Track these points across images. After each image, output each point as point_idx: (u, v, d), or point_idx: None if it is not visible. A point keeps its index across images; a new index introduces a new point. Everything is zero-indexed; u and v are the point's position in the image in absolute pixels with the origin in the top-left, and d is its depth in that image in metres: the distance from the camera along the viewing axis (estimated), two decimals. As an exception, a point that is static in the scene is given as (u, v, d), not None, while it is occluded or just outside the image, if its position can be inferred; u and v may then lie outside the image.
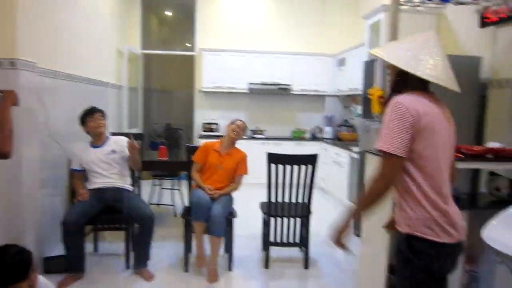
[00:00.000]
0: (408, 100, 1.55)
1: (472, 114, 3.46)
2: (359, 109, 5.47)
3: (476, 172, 3.27)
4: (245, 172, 3.47)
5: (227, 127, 3.50)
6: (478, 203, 2.57)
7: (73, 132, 3.75)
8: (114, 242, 3.86)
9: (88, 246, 3.38)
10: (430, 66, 1.57)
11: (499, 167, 2.56)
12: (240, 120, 3.51)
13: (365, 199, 1.62)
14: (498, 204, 2.44)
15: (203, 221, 3.14)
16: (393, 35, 2.47)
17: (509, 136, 3.14)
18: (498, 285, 2.44)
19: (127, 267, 3.26)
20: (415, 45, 1.63)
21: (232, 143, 3.45)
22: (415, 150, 1.55)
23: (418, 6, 2.63)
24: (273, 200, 3.34)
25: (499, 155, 2.43)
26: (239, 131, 3.43)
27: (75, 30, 4.00)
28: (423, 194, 1.56)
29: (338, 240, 1.71)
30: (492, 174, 2.59)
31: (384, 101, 1.75)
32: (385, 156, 1.55)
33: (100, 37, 4.93)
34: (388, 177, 1.56)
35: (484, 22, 3.39)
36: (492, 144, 2.49)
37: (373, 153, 2.60)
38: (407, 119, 1.52)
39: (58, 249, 3.39)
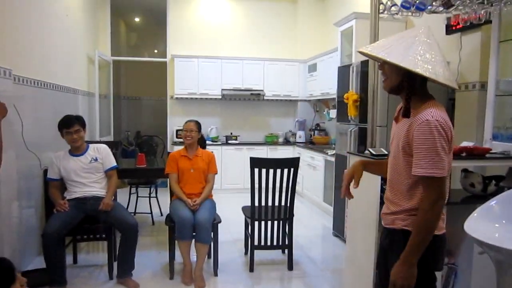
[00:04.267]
0: (443, 117, 1.51)
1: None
2: (332, 113, 5.64)
3: (447, 171, 3.44)
4: (216, 171, 3.50)
5: (181, 132, 3.53)
6: (454, 199, 2.72)
7: (47, 140, 3.66)
8: (93, 253, 3.77)
9: (67, 258, 3.28)
10: (439, 67, 1.52)
11: (471, 164, 2.72)
12: (191, 121, 3.50)
13: (426, 230, 1.53)
14: (472, 199, 2.61)
15: (188, 240, 3.14)
16: (374, 41, 2.59)
17: (475, 135, 3.34)
18: (475, 275, 2.59)
19: (111, 277, 3.19)
20: (417, 44, 1.55)
21: (193, 146, 3.47)
22: None
23: (396, 14, 2.77)
24: (256, 204, 3.38)
25: (471, 153, 2.59)
26: (189, 134, 3.43)
27: (46, 36, 3.90)
28: None
29: (411, 285, 1.59)
30: (465, 171, 2.75)
31: (403, 109, 1.63)
32: (438, 181, 1.50)
33: (71, 43, 4.82)
34: (443, 199, 1.53)
35: (450, 29, 3.61)
36: (465, 144, 2.64)
37: (356, 154, 2.70)
38: (447, 137, 1.51)
39: (36, 262, 3.29)
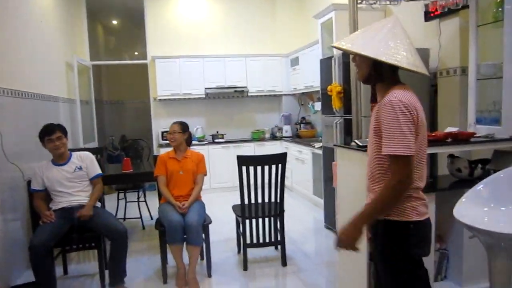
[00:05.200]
0: (407, 98, 1.55)
1: (426, 103, 3.67)
2: (316, 105, 5.63)
3: (432, 157, 3.48)
4: (205, 172, 3.46)
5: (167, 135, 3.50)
6: (442, 185, 2.74)
7: (29, 151, 3.57)
8: (83, 263, 3.71)
9: (57, 270, 3.21)
10: (403, 53, 1.57)
11: (457, 150, 2.74)
12: (175, 123, 3.46)
13: (383, 205, 1.59)
14: (460, 184, 2.63)
15: (179, 243, 3.10)
16: (353, 32, 2.57)
17: (459, 120, 3.37)
18: (466, 259, 2.62)
19: (103, 286, 3.13)
20: (383, 33, 1.61)
21: (181, 148, 3.43)
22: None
23: (374, 3, 2.77)
24: (246, 202, 3.36)
25: (457, 138, 2.61)
26: (172, 136, 3.39)
27: (21, 44, 3.80)
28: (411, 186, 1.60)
29: (352, 245, 1.64)
30: (452, 156, 2.77)
31: (371, 97, 1.73)
32: (404, 159, 1.52)
33: (48, 50, 4.71)
34: (410, 179, 1.55)
35: (429, 16, 3.62)
36: (450, 129, 2.66)
37: (343, 147, 2.69)
38: (412, 117, 1.53)
39: (25, 276, 3.22)
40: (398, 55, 1.56)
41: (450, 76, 3.53)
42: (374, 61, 1.60)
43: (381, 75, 1.64)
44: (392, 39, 1.59)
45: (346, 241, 1.64)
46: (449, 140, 2.58)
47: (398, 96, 1.55)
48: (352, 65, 2.92)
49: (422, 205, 1.65)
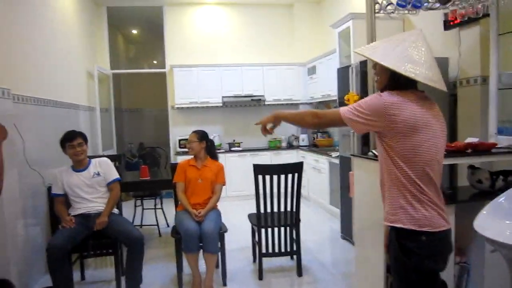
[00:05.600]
0: (393, 97, 1.60)
1: (445, 113, 3.60)
2: (333, 115, 5.59)
3: (452, 168, 3.41)
4: (224, 182, 3.47)
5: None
6: (463, 196, 2.68)
7: (50, 157, 3.66)
8: (100, 269, 3.75)
9: (75, 275, 3.26)
10: (426, 68, 1.60)
11: (478, 161, 2.68)
12: (193, 131, 3.50)
13: (294, 116, 1.91)
14: (481, 196, 2.56)
15: (195, 252, 3.11)
16: (371, 42, 2.56)
17: (480, 131, 3.30)
18: (488, 274, 2.54)
19: (119, 292, 3.17)
20: (404, 45, 1.65)
21: (200, 156, 3.45)
22: (402, 148, 1.60)
23: (392, 13, 2.75)
24: (261, 211, 3.35)
25: (477, 149, 2.56)
26: (189, 145, 3.44)
27: (44, 53, 3.91)
28: (418, 191, 1.61)
29: (263, 126, 1.97)
30: (472, 167, 2.71)
31: None
32: (337, 113, 1.69)
33: (70, 59, 4.83)
34: (320, 122, 1.76)
35: (448, 24, 3.58)
36: (470, 140, 2.61)
37: (360, 157, 2.67)
38: (381, 111, 1.59)
39: (43, 281, 3.27)
40: (417, 68, 1.59)
41: (470, 85, 3.47)
42: (393, 72, 1.62)
43: (396, 83, 1.66)
44: (413, 52, 1.62)
45: (263, 121, 1.96)
46: (469, 150, 2.52)
47: (386, 94, 1.63)
48: (370, 73, 2.93)
49: (438, 216, 1.62)
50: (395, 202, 1.65)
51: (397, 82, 1.65)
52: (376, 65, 1.74)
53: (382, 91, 1.74)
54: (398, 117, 1.58)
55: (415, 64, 1.60)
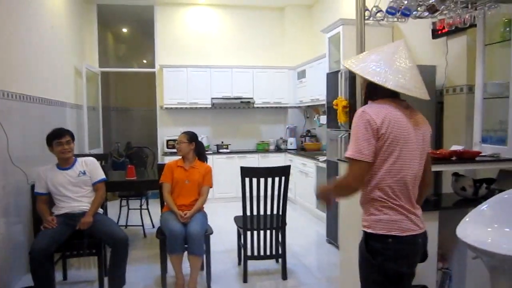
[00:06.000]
0: (372, 109, 1.63)
1: (431, 120, 3.65)
2: (322, 119, 5.63)
3: (437, 175, 3.45)
4: (211, 185, 3.46)
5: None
6: (446, 203, 2.71)
7: (34, 155, 3.60)
8: (84, 269, 3.70)
9: (57, 275, 3.20)
10: (399, 76, 1.63)
11: (462, 168, 2.72)
12: (182, 132, 3.50)
13: (335, 192, 1.81)
14: (464, 203, 2.60)
15: (179, 253, 3.09)
16: (360, 48, 2.59)
17: (465, 139, 3.35)
18: (470, 280, 2.58)
19: (101, 293, 3.13)
20: (385, 55, 1.69)
21: (188, 157, 3.44)
22: (382, 157, 1.63)
23: (381, 20, 2.78)
24: (248, 213, 3.34)
25: (462, 157, 2.60)
26: (178, 146, 3.44)
27: (31, 49, 3.85)
28: (390, 197, 1.65)
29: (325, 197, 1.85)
30: (456, 175, 2.75)
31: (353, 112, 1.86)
32: (354, 163, 1.62)
33: (57, 56, 4.77)
34: (358, 182, 1.65)
35: (436, 34, 3.63)
36: (455, 147, 2.65)
37: (345, 161, 2.68)
38: (372, 127, 1.60)
39: (24, 280, 3.21)
40: (389, 75, 1.63)
41: (456, 93, 3.53)
42: (369, 81, 1.68)
43: (376, 93, 1.70)
44: (388, 60, 1.66)
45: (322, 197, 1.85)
46: (454, 158, 2.57)
47: (366, 107, 1.66)
48: (358, 79, 2.95)
49: (408, 221, 1.64)
50: (368, 207, 1.70)
51: (372, 91, 1.72)
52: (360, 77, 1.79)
53: (364, 101, 1.81)
54: (381, 127, 1.61)
55: (388, 71, 1.64)
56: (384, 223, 1.64)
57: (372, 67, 1.66)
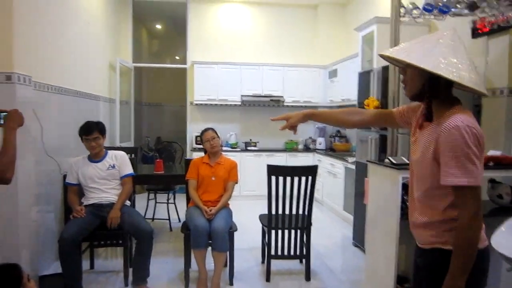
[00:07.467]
0: (475, 123, 1.41)
1: (468, 123, 3.50)
2: (352, 119, 5.50)
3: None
4: (236, 180, 3.44)
5: (204, 144, 3.47)
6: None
7: (67, 146, 3.70)
8: (110, 259, 3.78)
9: (84, 263, 3.29)
10: (465, 69, 1.42)
11: (499, 175, 2.59)
12: (208, 130, 3.48)
13: (468, 250, 1.40)
14: (501, 211, 2.47)
15: (203, 248, 3.10)
16: (394, 46, 2.50)
17: (504, 144, 3.19)
18: (504, 292, 2.45)
19: (126, 284, 3.18)
20: (443, 46, 1.46)
21: (217, 153, 3.44)
22: None
23: (417, 17, 2.68)
24: (273, 212, 3.31)
25: (499, 163, 2.46)
26: (214, 142, 3.41)
27: (68, 43, 3.96)
28: None
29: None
30: (493, 181, 2.62)
31: (426, 115, 1.55)
32: (474, 191, 1.39)
33: (93, 50, 4.89)
34: (481, 211, 1.41)
35: (476, 32, 3.47)
36: (492, 153, 2.51)
37: (376, 163, 2.60)
38: (482, 145, 1.41)
39: (54, 267, 3.32)
40: (460, 71, 1.41)
41: (496, 96, 3.35)
42: (431, 76, 1.45)
43: (437, 92, 1.49)
44: (453, 54, 1.44)
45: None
46: (491, 164, 2.44)
47: (465, 121, 1.39)
48: (392, 79, 2.85)
49: (483, 230, 1.52)
50: (446, 222, 1.51)
51: (435, 87, 1.48)
52: (406, 70, 1.57)
53: (413, 98, 1.61)
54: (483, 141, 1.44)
55: (456, 66, 1.41)
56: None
57: (440, 61, 1.42)
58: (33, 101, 3.01)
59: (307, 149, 6.90)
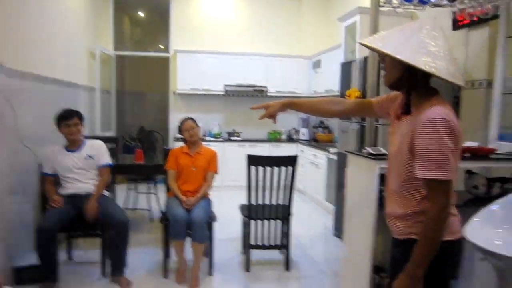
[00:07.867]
0: (451, 116, 1.39)
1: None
2: (335, 110, 5.51)
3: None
4: (216, 170, 3.42)
5: (183, 134, 3.43)
6: (456, 201, 2.61)
7: (44, 136, 3.60)
8: (88, 250, 3.72)
9: (62, 254, 3.24)
10: (440, 60, 1.39)
11: (476, 166, 2.62)
12: (187, 119, 3.43)
13: (432, 240, 1.41)
14: (476, 202, 2.50)
15: (182, 239, 3.08)
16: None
17: (481, 135, 3.22)
18: (477, 282, 2.49)
19: (104, 275, 3.14)
20: (422, 35, 1.43)
21: (196, 143, 3.40)
22: None
23: (398, 7, 2.67)
24: (253, 202, 3.30)
25: (476, 154, 2.49)
26: (192, 132, 3.37)
27: (44, 29, 3.84)
28: None
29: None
30: (469, 172, 2.65)
31: (403, 105, 1.54)
32: (444, 184, 1.38)
33: (71, 36, 4.76)
34: (449, 205, 1.41)
35: (457, 24, 3.48)
36: (470, 144, 2.54)
37: (355, 154, 2.61)
38: (458, 138, 1.39)
39: (29, 258, 3.24)
40: (435, 62, 1.39)
41: (475, 88, 3.39)
42: (408, 66, 1.42)
43: (415, 82, 1.47)
44: (431, 43, 1.41)
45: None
46: (467, 155, 2.46)
47: (442, 113, 1.37)
48: (370, 69, 2.85)
49: (458, 222, 1.54)
50: (421, 214, 1.51)
51: (412, 77, 1.46)
52: (385, 57, 1.53)
53: (391, 87, 1.60)
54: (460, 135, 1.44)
55: (434, 56, 1.39)
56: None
57: (417, 51, 1.39)
58: (6, 89, 2.91)
59: (290, 139, 6.90)
